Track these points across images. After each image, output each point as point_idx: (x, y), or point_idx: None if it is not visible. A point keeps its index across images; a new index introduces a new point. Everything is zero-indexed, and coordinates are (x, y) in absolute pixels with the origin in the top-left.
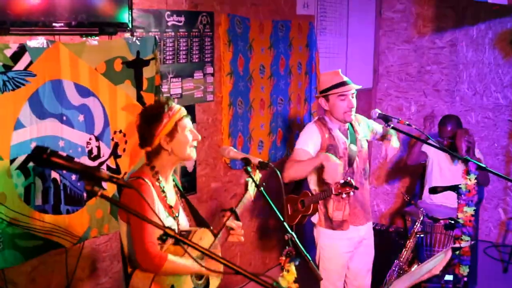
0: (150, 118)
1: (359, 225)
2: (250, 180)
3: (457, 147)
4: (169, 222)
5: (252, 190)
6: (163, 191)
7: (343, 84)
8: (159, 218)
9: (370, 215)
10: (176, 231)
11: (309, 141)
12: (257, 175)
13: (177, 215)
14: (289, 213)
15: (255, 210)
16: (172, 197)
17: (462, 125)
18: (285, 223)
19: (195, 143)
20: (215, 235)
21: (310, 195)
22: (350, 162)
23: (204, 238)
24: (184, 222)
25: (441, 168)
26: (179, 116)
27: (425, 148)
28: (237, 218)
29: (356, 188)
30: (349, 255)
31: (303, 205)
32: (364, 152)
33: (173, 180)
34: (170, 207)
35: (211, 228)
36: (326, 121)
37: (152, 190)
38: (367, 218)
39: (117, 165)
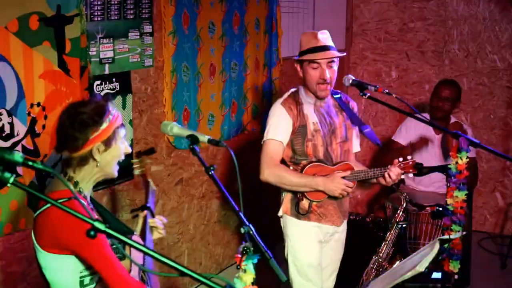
0: (88, 119)
1: (333, 225)
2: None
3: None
4: None
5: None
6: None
7: (317, 49)
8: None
9: (347, 214)
10: None
11: (279, 129)
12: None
13: None
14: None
15: (204, 198)
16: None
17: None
18: (240, 214)
19: (122, 157)
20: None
21: (353, 168)
22: (327, 154)
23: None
24: None
25: (421, 150)
26: (118, 123)
27: (407, 125)
28: (152, 213)
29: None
30: (322, 245)
31: None
32: (347, 144)
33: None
34: None
35: (136, 233)
36: (301, 94)
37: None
38: (344, 217)
39: (35, 145)
